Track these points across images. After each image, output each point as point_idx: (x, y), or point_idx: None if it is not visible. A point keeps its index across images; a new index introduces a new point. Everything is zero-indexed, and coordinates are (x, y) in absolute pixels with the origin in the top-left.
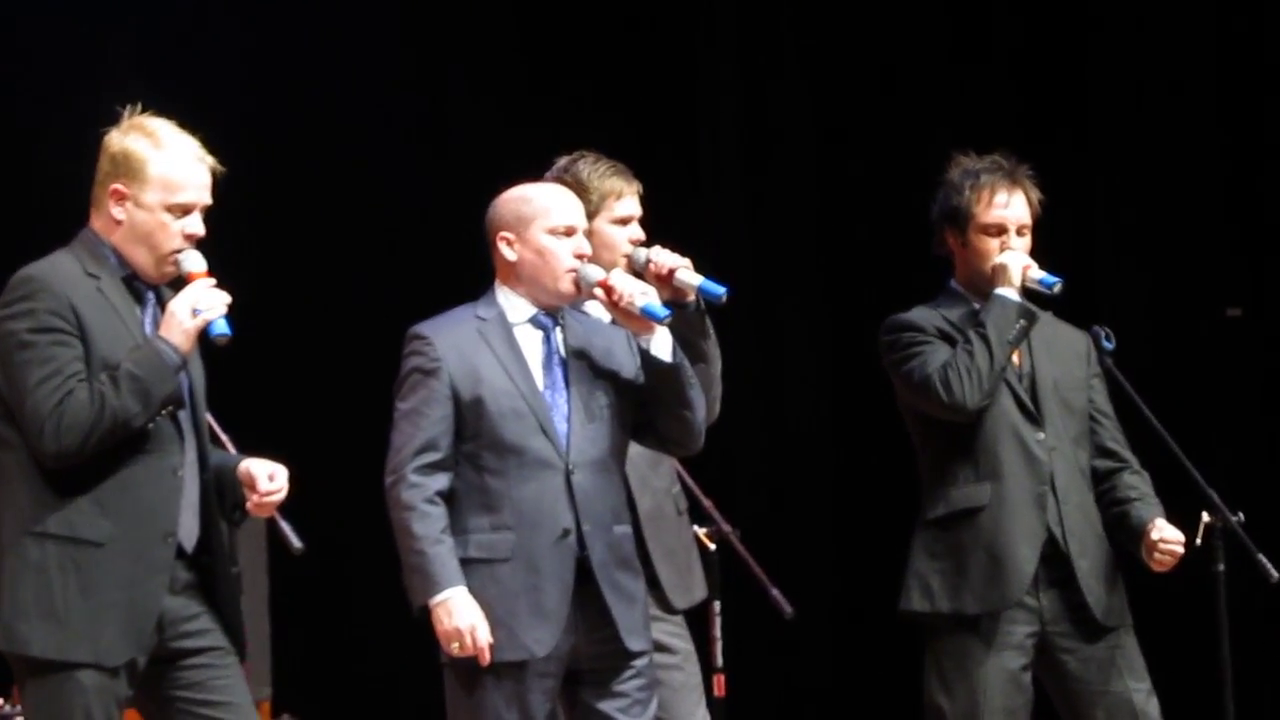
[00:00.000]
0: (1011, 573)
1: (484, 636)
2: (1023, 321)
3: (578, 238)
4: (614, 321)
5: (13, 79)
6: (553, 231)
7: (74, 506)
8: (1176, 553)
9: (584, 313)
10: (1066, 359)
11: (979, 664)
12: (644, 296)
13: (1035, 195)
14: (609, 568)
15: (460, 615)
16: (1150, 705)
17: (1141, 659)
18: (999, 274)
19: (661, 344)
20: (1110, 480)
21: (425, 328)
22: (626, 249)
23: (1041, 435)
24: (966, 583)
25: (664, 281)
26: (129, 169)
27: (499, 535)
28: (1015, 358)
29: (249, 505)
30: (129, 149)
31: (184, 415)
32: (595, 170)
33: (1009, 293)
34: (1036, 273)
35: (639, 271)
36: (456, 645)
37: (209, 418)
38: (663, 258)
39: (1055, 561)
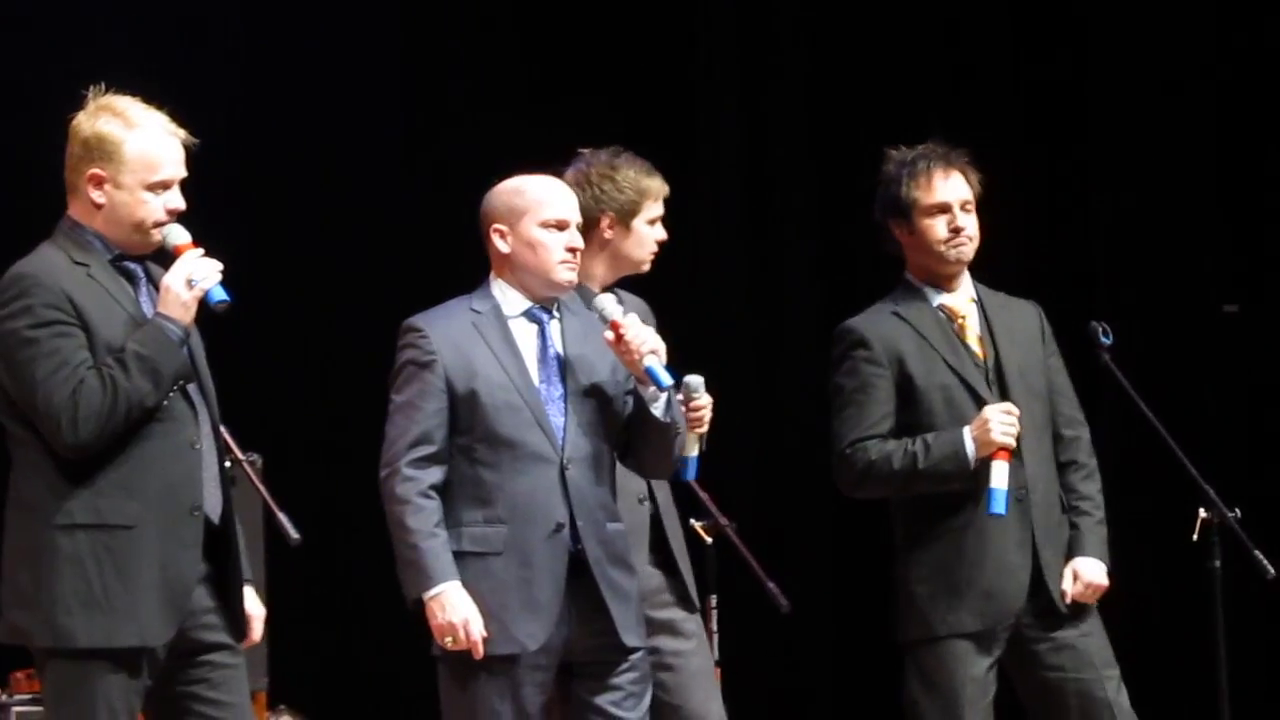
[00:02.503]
0: (1008, 583)
1: (477, 631)
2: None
3: (570, 231)
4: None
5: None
6: (544, 225)
7: (98, 493)
8: (1094, 596)
9: (581, 305)
10: (1026, 341)
11: (963, 666)
12: (652, 356)
13: (975, 176)
14: (603, 563)
15: (454, 609)
16: (1121, 695)
17: (1109, 647)
18: None
19: (657, 399)
20: (1063, 479)
21: (420, 320)
22: (653, 248)
23: None
24: (962, 602)
25: (622, 350)
26: (104, 152)
27: (492, 529)
28: (978, 348)
29: None
30: (101, 132)
31: (193, 388)
32: (635, 167)
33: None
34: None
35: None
36: (450, 639)
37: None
38: (635, 339)
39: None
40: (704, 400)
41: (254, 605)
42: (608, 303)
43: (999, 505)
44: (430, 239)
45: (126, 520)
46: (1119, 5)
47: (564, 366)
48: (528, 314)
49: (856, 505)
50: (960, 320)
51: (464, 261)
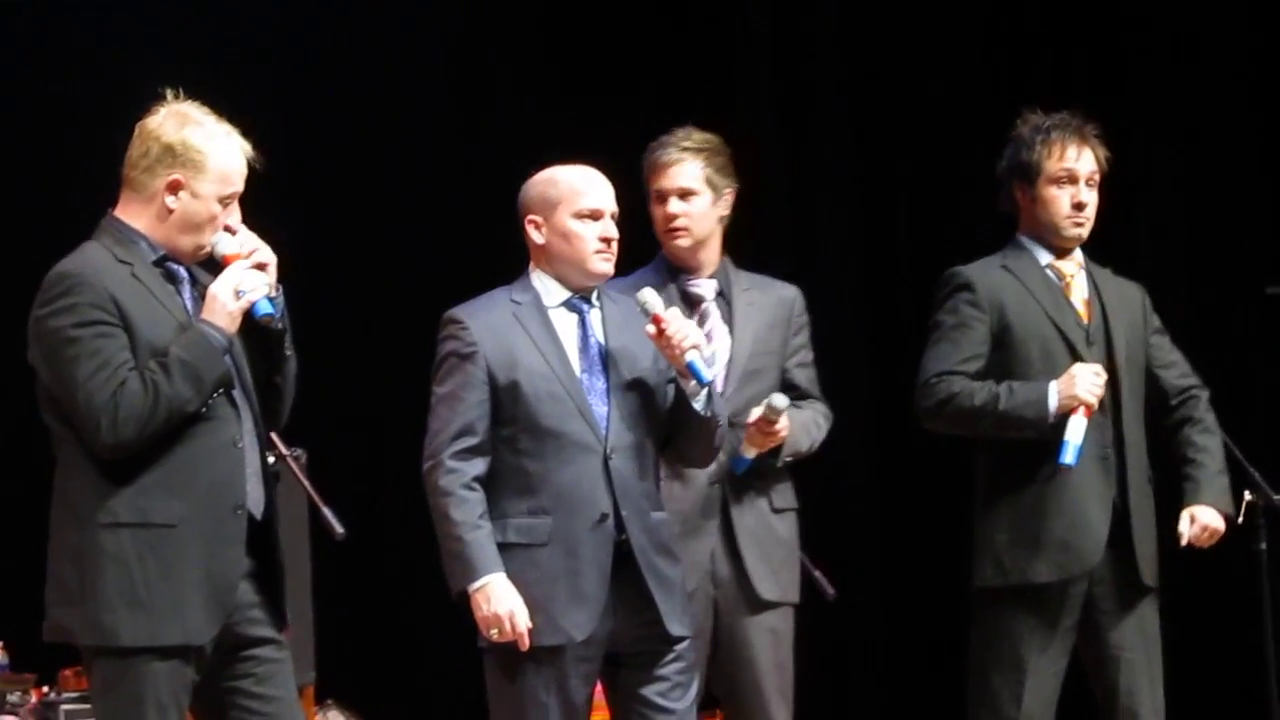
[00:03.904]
0: (1085, 538)
1: (523, 622)
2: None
3: (604, 221)
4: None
5: (43, 64)
6: (578, 215)
7: (141, 491)
8: (1210, 539)
9: (621, 294)
10: (1130, 313)
11: (1033, 634)
12: (694, 350)
13: (1103, 153)
14: (648, 552)
15: (499, 601)
16: (1159, 684)
17: (1159, 635)
18: None
19: (698, 393)
20: (1178, 436)
21: (461, 311)
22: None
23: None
24: (1040, 552)
25: (663, 344)
26: (189, 160)
27: (537, 520)
28: (1084, 311)
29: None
30: (188, 140)
31: (235, 391)
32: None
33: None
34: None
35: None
36: (495, 631)
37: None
38: (676, 334)
39: (1113, 520)
40: (782, 424)
41: None
42: (650, 296)
43: (1069, 456)
44: (472, 231)
45: (170, 519)
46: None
47: (606, 356)
48: (567, 304)
49: (903, 490)
50: (1068, 279)
51: (506, 253)
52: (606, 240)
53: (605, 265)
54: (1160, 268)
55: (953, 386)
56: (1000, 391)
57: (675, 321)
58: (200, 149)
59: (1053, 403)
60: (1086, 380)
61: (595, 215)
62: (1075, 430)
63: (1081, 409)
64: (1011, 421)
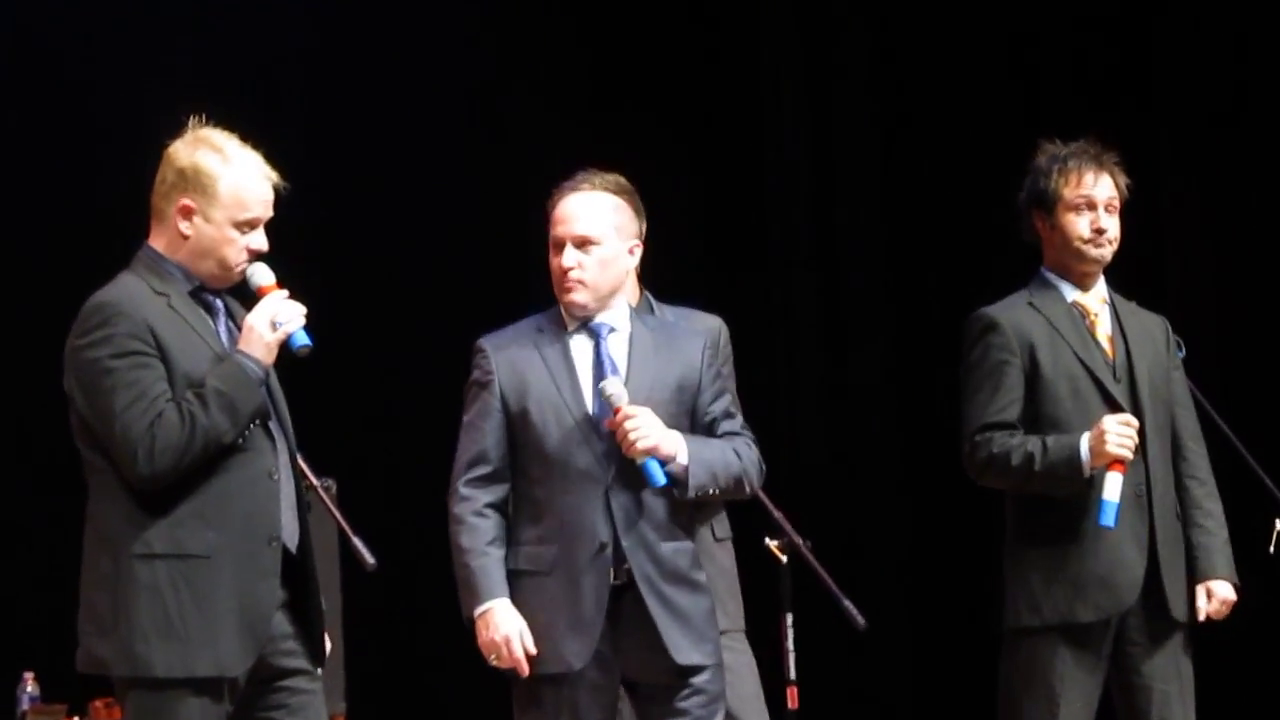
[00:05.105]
0: (1123, 577)
1: (518, 649)
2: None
3: (565, 251)
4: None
5: (77, 89)
6: (552, 243)
7: (176, 522)
8: (1226, 612)
9: (656, 318)
10: (1153, 347)
11: (1066, 665)
12: (645, 452)
13: (1123, 180)
14: (655, 581)
15: (497, 627)
16: (1192, 717)
17: (1192, 668)
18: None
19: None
20: (1182, 492)
21: (486, 339)
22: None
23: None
24: (1078, 592)
25: (619, 437)
26: (199, 184)
27: (544, 548)
28: (1108, 348)
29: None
30: (199, 164)
31: (271, 422)
32: None
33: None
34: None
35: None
36: (494, 657)
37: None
38: (633, 432)
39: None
40: (630, 410)
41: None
42: (614, 387)
43: (1109, 518)
44: (502, 257)
45: (204, 550)
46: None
47: (626, 387)
48: (586, 328)
49: (932, 520)
50: (1092, 318)
51: (535, 281)
52: (563, 270)
53: (567, 296)
54: (1190, 283)
55: (991, 447)
56: (1034, 452)
57: (635, 419)
58: (211, 173)
59: (1085, 458)
60: (1115, 434)
61: (557, 243)
62: (1112, 489)
63: (1115, 466)
64: (1050, 480)
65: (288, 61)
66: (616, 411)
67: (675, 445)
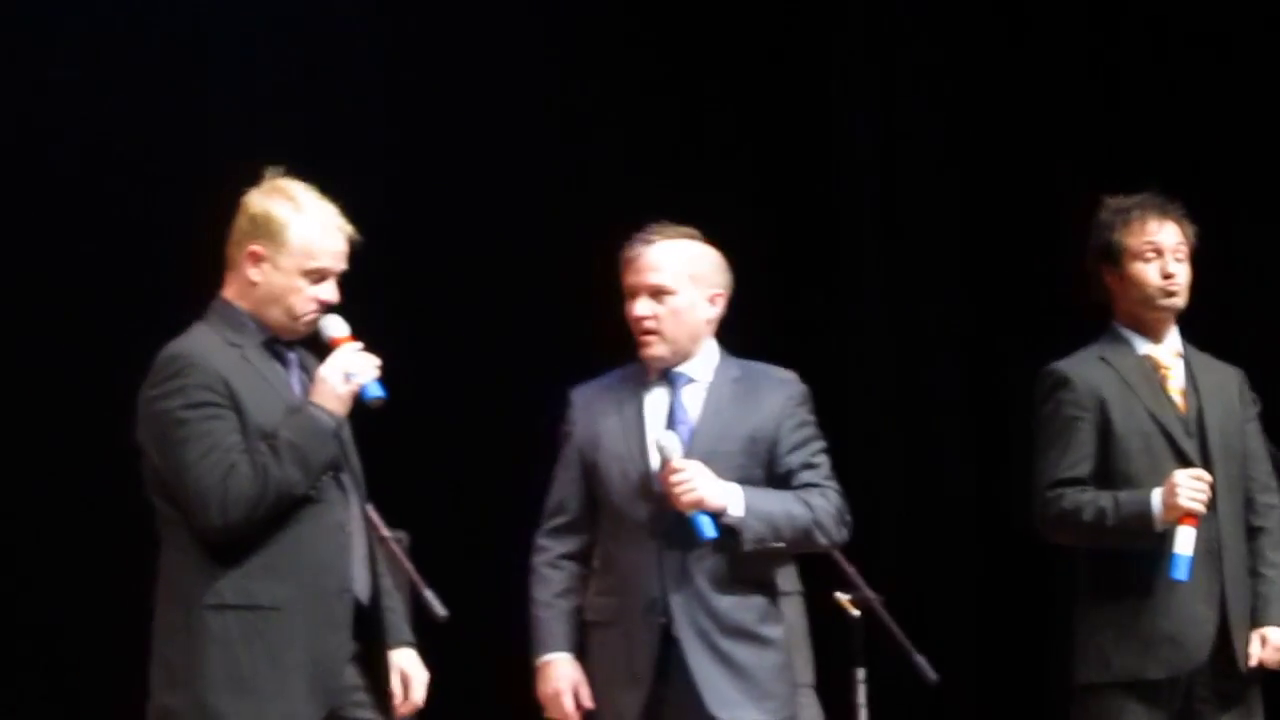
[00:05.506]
0: (1194, 634)
1: (568, 703)
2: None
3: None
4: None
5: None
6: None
7: (247, 574)
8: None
9: (742, 369)
10: (1227, 401)
11: (1136, 716)
12: (692, 505)
13: (1190, 229)
14: (710, 635)
15: (549, 681)
16: None
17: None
18: None
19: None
20: (1251, 543)
21: (576, 389)
22: None
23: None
24: (1149, 649)
25: (668, 489)
26: (268, 231)
27: (607, 599)
28: (1180, 400)
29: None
30: (270, 211)
31: (343, 474)
32: None
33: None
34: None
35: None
36: (547, 711)
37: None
38: (678, 486)
39: None
40: (685, 468)
41: (416, 668)
42: (669, 441)
43: (1182, 572)
44: (576, 312)
45: (276, 602)
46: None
47: (692, 437)
48: (665, 379)
49: (1003, 574)
50: (1164, 371)
51: (611, 331)
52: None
53: (644, 350)
54: (1259, 331)
55: (1063, 504)
56: (1106, 507)
57: (683, 473)
58: (281, 220)
59: (1157, 513)
60: (1188, 488)
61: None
62: (1184, 543)
63: (1187, 520)
64: (1122, 535)
65: (366, 108)
66: (666, 464)
67: (726, 498)
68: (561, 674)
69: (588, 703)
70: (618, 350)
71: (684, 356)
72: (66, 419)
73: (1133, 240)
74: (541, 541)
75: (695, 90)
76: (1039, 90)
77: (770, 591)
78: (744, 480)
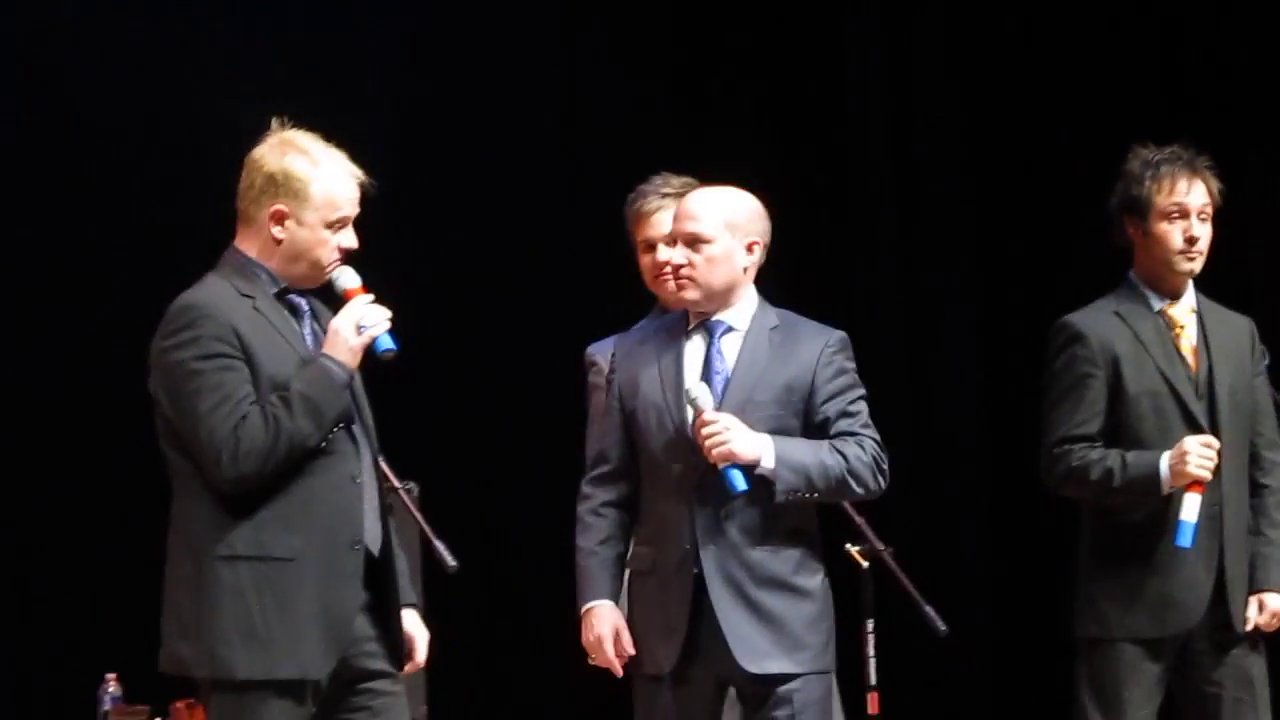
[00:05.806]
0: (1189, 595)
1: (609, 650)
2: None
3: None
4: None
5: (158, 97)
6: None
7: (259, 524)
8: (1274, 625)
9: (778, 318)
10: (1237, 357)
11: (1132, 671)
12: (723, 458)
13: (1216, 185)
14: (740, 585)
15: (593, 627)
16: None
17: (1266, 673)
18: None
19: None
20: (1254, 499)
21: (618, 338)
22: None
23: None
24: (1144, 608)
25: (699, 442)
26: (290, 189)
27: (646, 549)
28: (1191, 359)
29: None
30: (289, 169)
31: (355, 426)
32: None
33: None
34: None
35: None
36: (591, 656)
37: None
38: (710, 439)
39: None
40: (717, 420)
41: (419, 628)
42: (700, 392)
43: (1186, 539)
44: (587, 264)
45: (288, 553)
46: None
47: (728, 386)
48: (702, 327)
49: (1013, 525)
50: (1178, 329)
51: (623, 283)
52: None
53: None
54: (1273, 301)
55: (1070, 460)
56: (1114, 467)
57: (714, 425)
58: (302, 177)
59: (1164, 477)
60: (1197, 455)
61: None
62: (1189, 509)
63: (1194, 487)
64: (1126, 498)
65: (372, 60)
66: (698, 416)
67: (758, 450)
68: (602, 622)
69: (629, 649)
70: (630, 302)
71: (721, 304)
72: (76, 370)
73: (1160, 198)
74: (586, 489)
75: (711, 50)
76: (1052, 51)
77: (808, 541)
78: (778, 430)
